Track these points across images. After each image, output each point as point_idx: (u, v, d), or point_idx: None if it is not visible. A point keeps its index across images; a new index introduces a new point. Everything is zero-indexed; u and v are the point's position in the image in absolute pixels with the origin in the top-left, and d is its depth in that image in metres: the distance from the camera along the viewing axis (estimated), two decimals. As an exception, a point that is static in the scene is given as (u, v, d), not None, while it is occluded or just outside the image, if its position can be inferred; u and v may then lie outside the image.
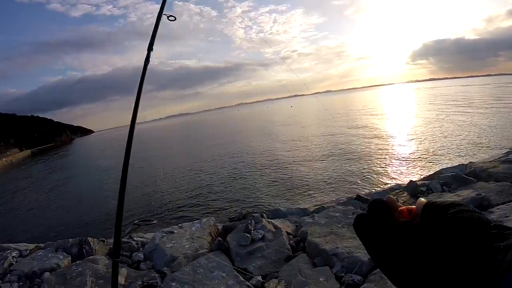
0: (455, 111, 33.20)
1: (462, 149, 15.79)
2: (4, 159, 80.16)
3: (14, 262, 4.47)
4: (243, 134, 42.11)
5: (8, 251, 4.73)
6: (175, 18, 1.26)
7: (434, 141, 18.83)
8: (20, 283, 3.94)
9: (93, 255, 4.39)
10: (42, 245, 4.95)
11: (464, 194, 4.70)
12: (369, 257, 0.50)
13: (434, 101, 55.43)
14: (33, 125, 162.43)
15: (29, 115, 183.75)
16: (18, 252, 4.76)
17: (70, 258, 4.41)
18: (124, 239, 4.83)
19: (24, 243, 5.24)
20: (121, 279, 3.75)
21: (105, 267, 3.99)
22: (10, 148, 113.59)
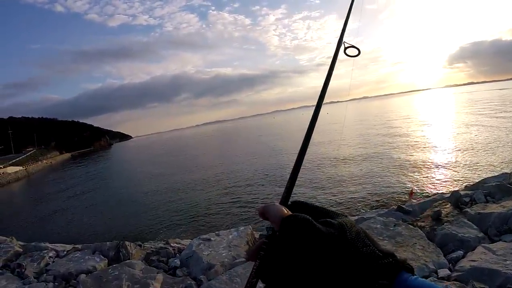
0: (495, 116, 31.41)
1: (505, 156, 14.84)
2: (44, 161, 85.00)
3: (50, 262, 4.46)
4: (278, 139, 41.90)
5: (46, 251, 4.73)
6: (359, 52, 0.64)
7: (475, 148, 17.78)
8: (56, 283, 3.87)
9: (129, 259, 4.28)
10: (79, 246, 4.92)
11: (509, 205, 4.25)
12: None
13: (473, 106, 52.65)
14: (73, 129, 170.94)
15: (70, 120, 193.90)
16: (55, 252, 4.75)
17: (106, 261, 4.33)
18: (161, 245, 4.71)
19: (62, 244, 5.25)
20: (156, 285, 3.62)
21: (141, 271, 3.86)
22: (51, 151, 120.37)
